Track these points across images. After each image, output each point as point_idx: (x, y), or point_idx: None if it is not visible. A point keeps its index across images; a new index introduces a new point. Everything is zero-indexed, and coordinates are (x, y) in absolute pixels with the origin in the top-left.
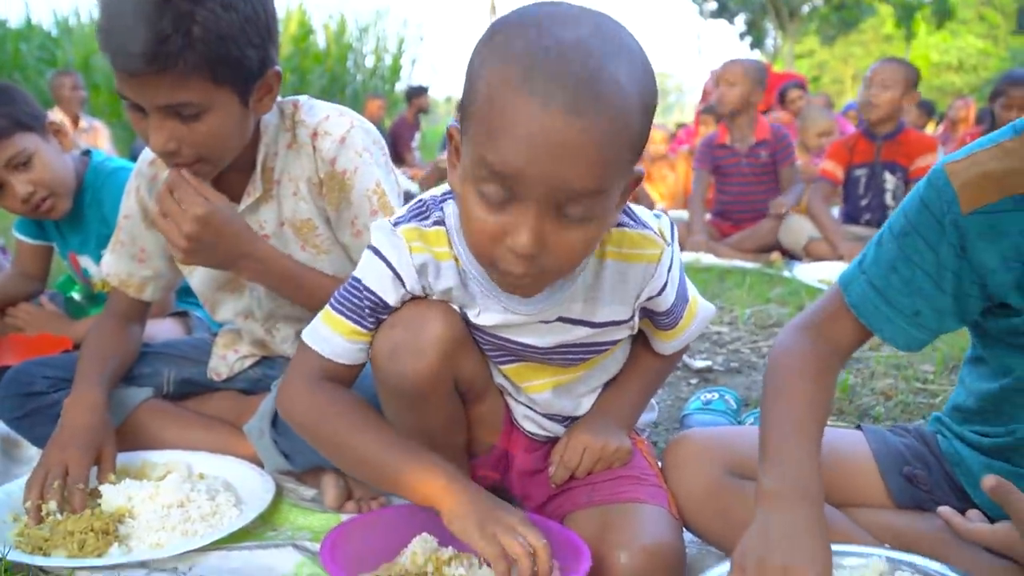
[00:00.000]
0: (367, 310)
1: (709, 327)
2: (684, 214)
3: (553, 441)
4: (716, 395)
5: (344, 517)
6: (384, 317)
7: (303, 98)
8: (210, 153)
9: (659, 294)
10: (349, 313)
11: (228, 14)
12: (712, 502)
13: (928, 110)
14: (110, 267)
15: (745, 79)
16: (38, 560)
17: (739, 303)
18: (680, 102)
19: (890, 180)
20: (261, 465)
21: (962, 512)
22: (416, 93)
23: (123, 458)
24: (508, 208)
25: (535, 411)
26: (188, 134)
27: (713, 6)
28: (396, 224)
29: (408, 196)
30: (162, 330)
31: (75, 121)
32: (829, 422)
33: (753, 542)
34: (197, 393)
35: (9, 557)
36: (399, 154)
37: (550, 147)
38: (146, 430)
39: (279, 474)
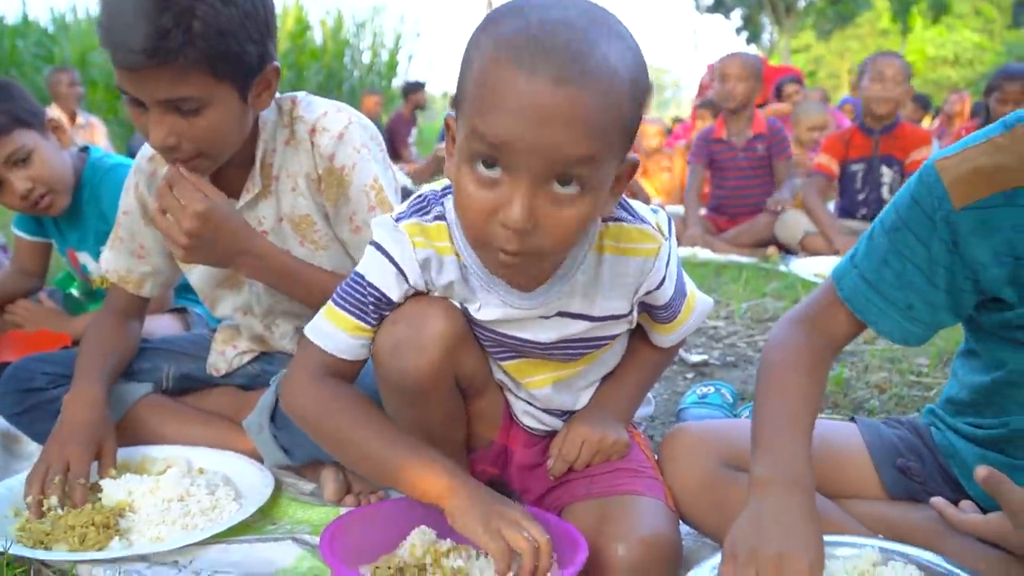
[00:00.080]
0: (370, 306)
1: (705, 321)
2: (680, 209)
3: (551, 435)
4: (712, 389)
5: (343, 510)
6: (387, 313)
7: (301, 94)
8: (209, 148)
9: (657, 288)
10: (352, 309)
11: (228, 9)
12: (708, 494)
13: (924, 104)
14: (109, 263)
15: (750, 74)
16: (39, 554)
17: (735, 297)
18: (676, 97)
19: (887, 174)
20: (260, 460)
21: (955, 503)
22: (413, 89)
23: (123, 453)
24: (501, 184)
25: (534, 406)
26: (188, 129)
27: (709, 1)
28: (398, 220)
29: (405, 192)
30: (160, 326)
31: (72, 117)
32: (824, 415)
33: (744, 530)
34: (196, 389)
35: (11, 551)
36: (396, 150)
37: (539, 114)
38: (146, 425)
39: (278, 468)
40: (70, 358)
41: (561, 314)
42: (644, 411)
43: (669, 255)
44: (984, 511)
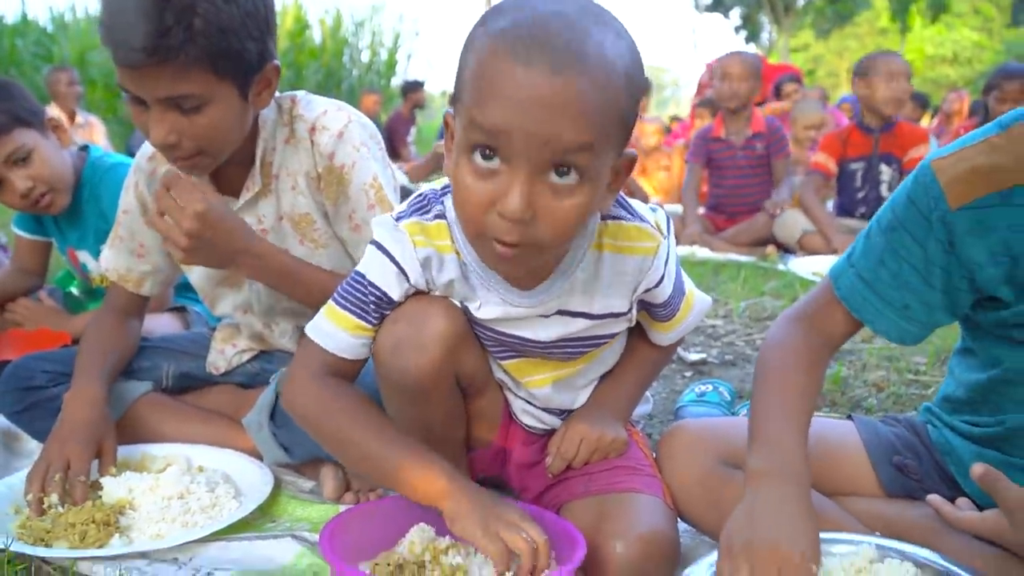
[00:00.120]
0: (371, 305)
1: (704, 320)
2: (679, 208)
3: (550, 433)
4: (710, 387)
5: (342, 508)
6: (388, 312)
7: (301, 93)
8: (210, 146)
9: (656, 286)
10: (353, 308)
11: (229, 7)
12: (705, 491)
13: (922, 103)
14: (109, 262)
15: (752, 73)
16: (40, 551)
17: (734, 296)
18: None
19: (886, 172)
20: (260, 458)
21: (952, 501)
22: (412, 88)
23: (123, 451)
24: (499, 175)
25: (533, 405)
26: (188, 127)
27: (708, 0)
28: (398, 219)
29: (404, 191)
30: (160, 325)
31: (71, 117)
32: (821, 413)
33: (739, 523)
34: (196, 387)
35: (12, 548)
36: (395, 149)
37: (535, 103)
38: (145, 423)
39: (278, 466)
40: (70, 356)
41: (561, 312)
42: (642, 409)
43: (668, 253)
44: (981, 508)
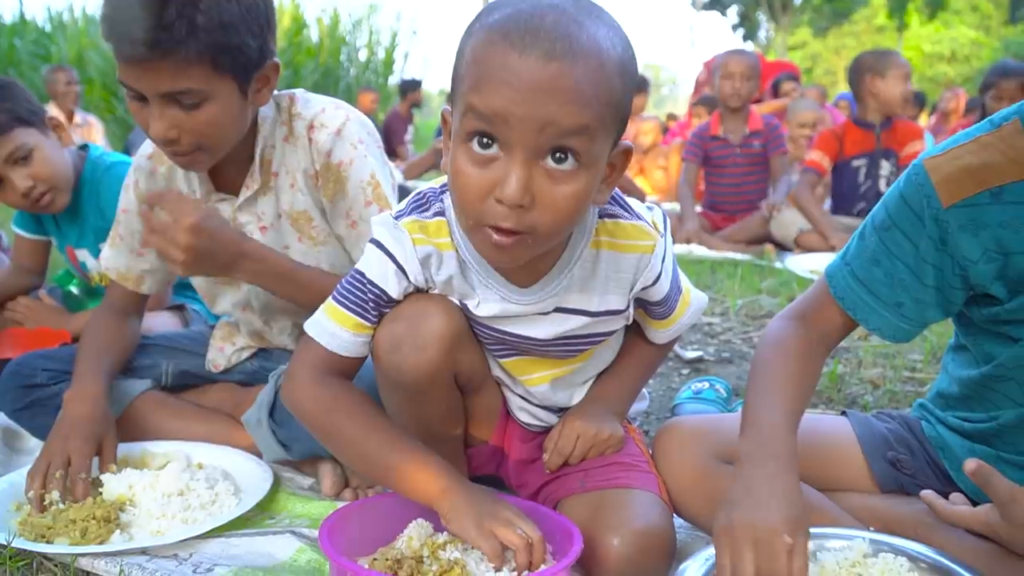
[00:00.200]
0: (370, 303)
1: (701, 318)
2: (676, 206)
3: (547, 431)
4: (707, 384)
5: (341, 504)
6: (387, 310)
7: (299, 91)
8: (209, 142)
9: (653, 284)
10: (353, 306)
11: (230, 4)
12: (701, 487)
13: (920, 101)
14: (109, 261)
15: (754, 73)
16: (41, 547)
17: (731, 294)
18: (673, 94)
19: (885, 167)
20: (259, 455)
21: (945, 496)
22: (410, 87)
23: (123, 448)
24: (497, 162)
25: (531, 403)
26: (188, 122)
27: None
28: (397, 217)
29: (401, 190)
30: (159, 323)
31: (70, 116)
32: (818, 411)
33: (722, 507)
34: (195, 385)
35: (13, 545)
36: (392, 148)
37: (531, 87)
38: (145, 421)
39: (277, 463)
40: (70, 355)
41: (559, 310)
42: (639, 406)
43: (665, 252)
44: (974, 503)
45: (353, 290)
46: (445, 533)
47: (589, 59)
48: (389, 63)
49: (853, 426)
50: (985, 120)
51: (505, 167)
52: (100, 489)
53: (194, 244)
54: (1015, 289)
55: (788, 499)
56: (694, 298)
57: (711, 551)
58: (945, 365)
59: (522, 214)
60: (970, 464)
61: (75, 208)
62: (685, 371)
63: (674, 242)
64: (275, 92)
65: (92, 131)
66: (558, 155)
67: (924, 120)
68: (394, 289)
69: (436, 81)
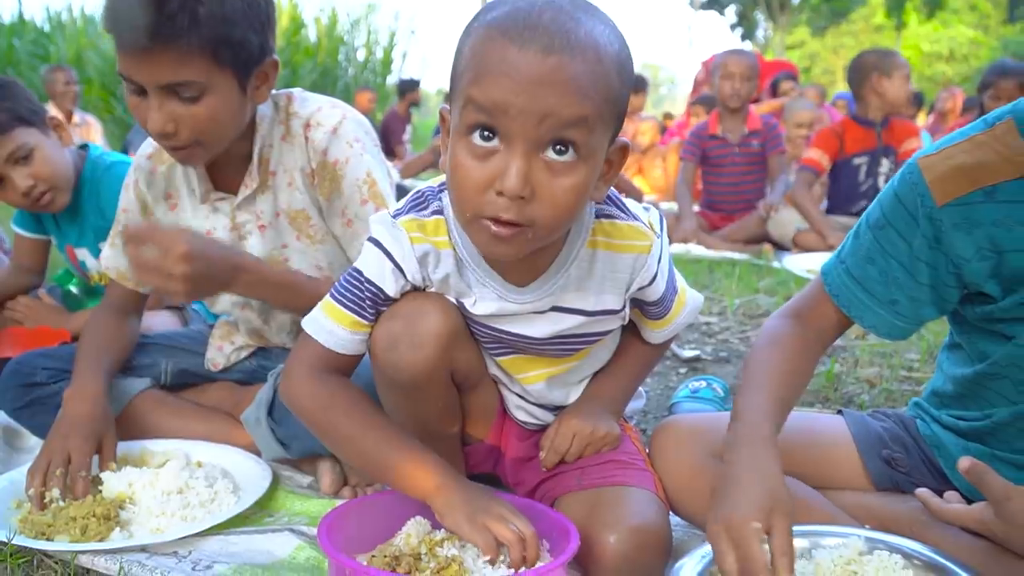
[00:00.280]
0: (368, 301)
1: (698, 317)
2: (674, 206)
3: (543, 429)
4: (704, 383)
5: (340, 502)
6: (384, 308)
7: (296, 91)
8: (206, 136)
9: (649, 284)
10: (350, 304)
11: None
12: (697, 485)
13: (918, 100)
14: (109, 260)
15: (754, 73)
16: (42, 545)
17: (728, 293)
18: (671, 94)
19: (885, 164)
20: (258, 453)
21: (940, 494)
22: (409, 87)
23: (123, 447)
24: (496, 155)
25: (527, 401)
26: (187, 116)
27: None
28: (395, 216)
29: (399, 189)
30: (158, 321)
31: (69, 116)
32: (814, 410)
33: (711, 506)
34: (194, 384)
35: (14, 542)
36: (390, 148)
37: (531, 80)
38: (145, 419)
39: (276, 461)
40: (70, 353)
41: (555, 309)
42: (636, 404)
43: (661, 252)
44: (969, 502)
45: (351, 288)
46: (443, 530)
47: (587, 53)
48: (387, 63)
49: (848, 425)
50: (979, 119)
51: (505, 159)
52: (100, 487)
53: (191, 272)
54: (1009, 287)
55: (762, 485)
56: (690, 298)
57: (707, 548)
58: (940, 363)
59: (522, 206)
60: (964, 462)
61: (75, 207)
62: (682, 370)
63: (672, 241)
64: (273, 91)
65: (90, 131)
66: (559, 147)
67: (923, 120)
68: (391, 287)
69: (434, 81)
